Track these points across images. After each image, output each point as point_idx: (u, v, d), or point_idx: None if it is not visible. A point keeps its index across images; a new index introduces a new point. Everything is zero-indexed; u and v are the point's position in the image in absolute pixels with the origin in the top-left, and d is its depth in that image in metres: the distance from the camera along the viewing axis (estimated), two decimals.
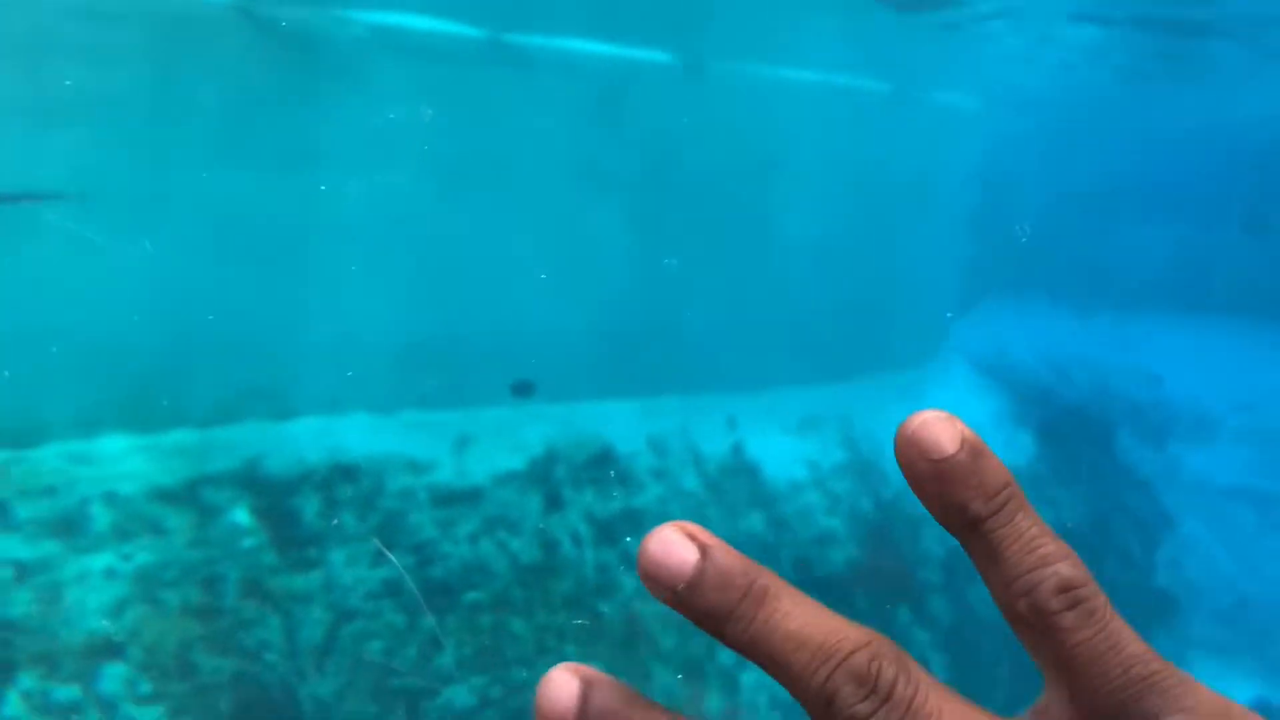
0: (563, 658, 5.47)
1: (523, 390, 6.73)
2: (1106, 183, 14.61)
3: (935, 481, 0.64)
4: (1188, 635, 9.56)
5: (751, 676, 6.03)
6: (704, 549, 0.61)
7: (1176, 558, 10.71)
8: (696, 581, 0.61)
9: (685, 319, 7.24)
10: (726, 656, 6.08)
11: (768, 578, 0.62)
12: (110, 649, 4.84)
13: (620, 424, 7.09)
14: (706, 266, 7.17)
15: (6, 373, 5.20)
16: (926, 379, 9.48)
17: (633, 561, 6.22)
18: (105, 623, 4.91)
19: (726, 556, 0.61)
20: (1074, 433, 11.36)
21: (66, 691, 4.65)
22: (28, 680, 4.62)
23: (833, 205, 7.91)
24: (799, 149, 7.63)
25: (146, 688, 4.77)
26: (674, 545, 0.61)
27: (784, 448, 7.53)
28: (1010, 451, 9.78)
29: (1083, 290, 13.46)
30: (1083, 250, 14.01)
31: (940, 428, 0.63)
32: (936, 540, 7.96)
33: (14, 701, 4.54)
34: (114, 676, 4.76)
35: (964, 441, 0.63)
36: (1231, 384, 12.38)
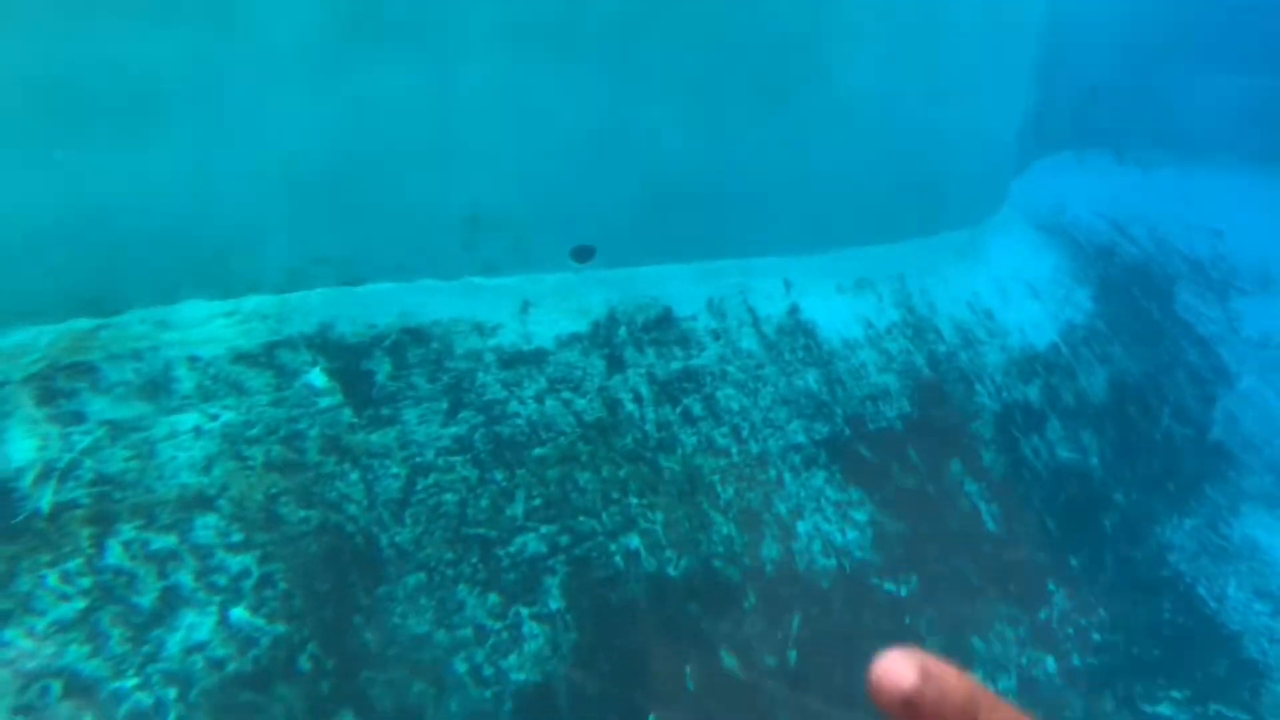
0: (625, 509, 5.68)
1: (583, 255, 6.80)
2: (1175, 31, 13.99)
3: (905, 714, 0.68)
4: (1242, 488, 9.59)
5: (806, 525, 6.20)
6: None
7: (1234, 412, 10.67)
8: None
9: (740, 182, 7.21)
10: (783, 507, 6.25)
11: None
12: (202, 501, 5.11)
13: (679, 287, 7.16)
14: (760, 127, 7.10)
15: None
16: (983, 236, 9.39)
17: (692, 418, 6.36)
18: (196, 477, 5.17)
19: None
20: (1133, 289, 11.21)
21: (164, 541, 4.93)
22: (128, 531, 4.91)
23: (890, 58, 7.73)
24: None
25: (238, 537, 5.04)
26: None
27: (839, 307, 7.56)
28: (1068, 308, 9.71)
29: (1146, 144, 13.08)
30: (1148, 102, 13.54)
31: (900, 665, 0.68)
32: (989, 396, 8.00)
33: (116, 550, 4.83)
34: (207, 527, 5.04)
35: (921, 673, 0.68)
36: None
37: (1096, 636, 7.17)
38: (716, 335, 6.98)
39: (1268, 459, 10.15)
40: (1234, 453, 10.05)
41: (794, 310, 7.32)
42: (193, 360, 5.61)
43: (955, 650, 6.32)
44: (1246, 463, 9.97)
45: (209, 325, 5.81)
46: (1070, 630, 7.02)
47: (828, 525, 6.28)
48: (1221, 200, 12.71)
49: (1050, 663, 6.69)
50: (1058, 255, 10.49)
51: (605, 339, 6.57)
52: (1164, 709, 7.17)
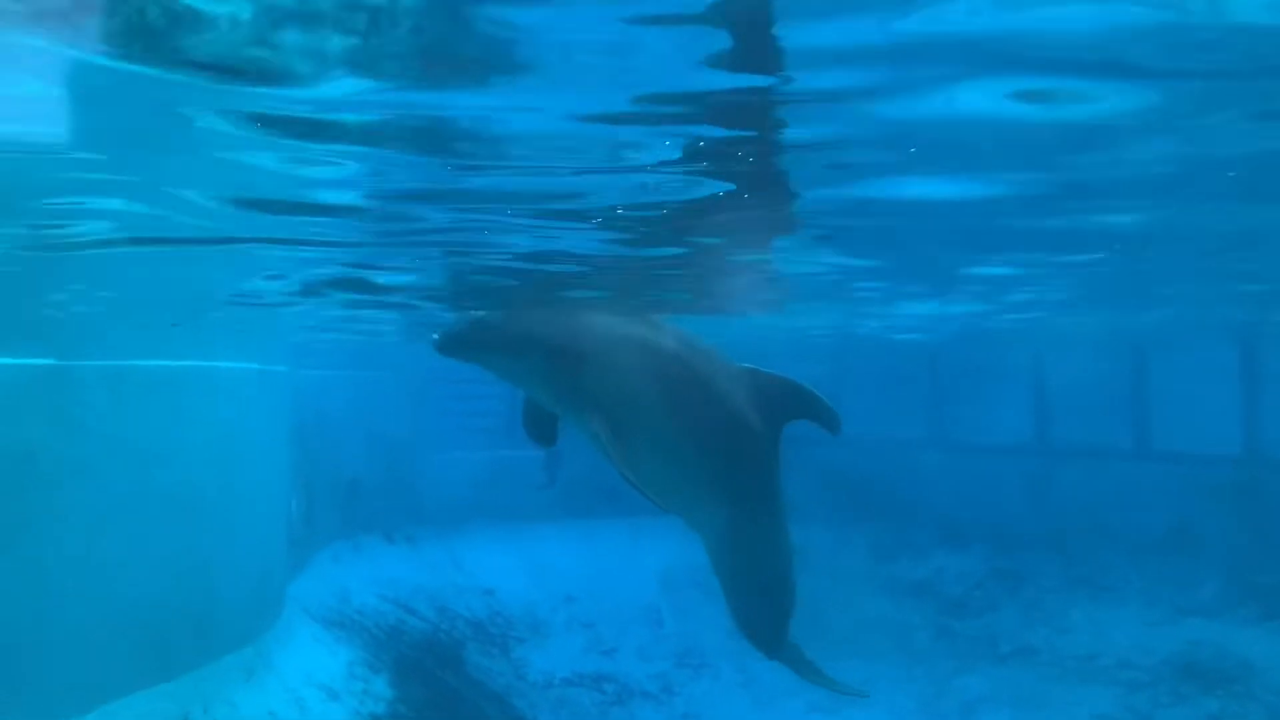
0: None
1: None
2: (415, 423, 15.07)
3: None
4: None
5: None
6: None
7: None
8: None
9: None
10: None
11: None
12: None
13: None
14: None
15: None
16: (269, 648, 8.50)
17: None
18: None
19: None
20: (427, 662, 10.95)
21: None
22: None
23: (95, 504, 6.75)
24: None
25: None
26: None
27: None
28: (369, 701, 9.03)
29: (409, 521, 13.35)
30: (403, 485, 14.07)
31: None
32: None
33: None
34: None
35: None
36: (553, 583, 12.93)
37: None
38: None
39: None
40: None
41: None
42: None
43: None
44: None
45: None
46: None
47: None
48: (486, 561, 13.25)
49: None
50: (350, 649, 9.85)
51: None
52: None
